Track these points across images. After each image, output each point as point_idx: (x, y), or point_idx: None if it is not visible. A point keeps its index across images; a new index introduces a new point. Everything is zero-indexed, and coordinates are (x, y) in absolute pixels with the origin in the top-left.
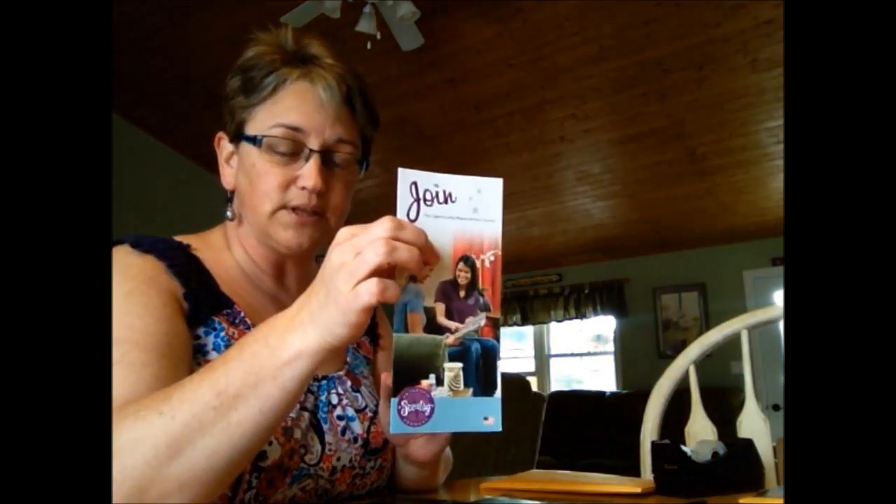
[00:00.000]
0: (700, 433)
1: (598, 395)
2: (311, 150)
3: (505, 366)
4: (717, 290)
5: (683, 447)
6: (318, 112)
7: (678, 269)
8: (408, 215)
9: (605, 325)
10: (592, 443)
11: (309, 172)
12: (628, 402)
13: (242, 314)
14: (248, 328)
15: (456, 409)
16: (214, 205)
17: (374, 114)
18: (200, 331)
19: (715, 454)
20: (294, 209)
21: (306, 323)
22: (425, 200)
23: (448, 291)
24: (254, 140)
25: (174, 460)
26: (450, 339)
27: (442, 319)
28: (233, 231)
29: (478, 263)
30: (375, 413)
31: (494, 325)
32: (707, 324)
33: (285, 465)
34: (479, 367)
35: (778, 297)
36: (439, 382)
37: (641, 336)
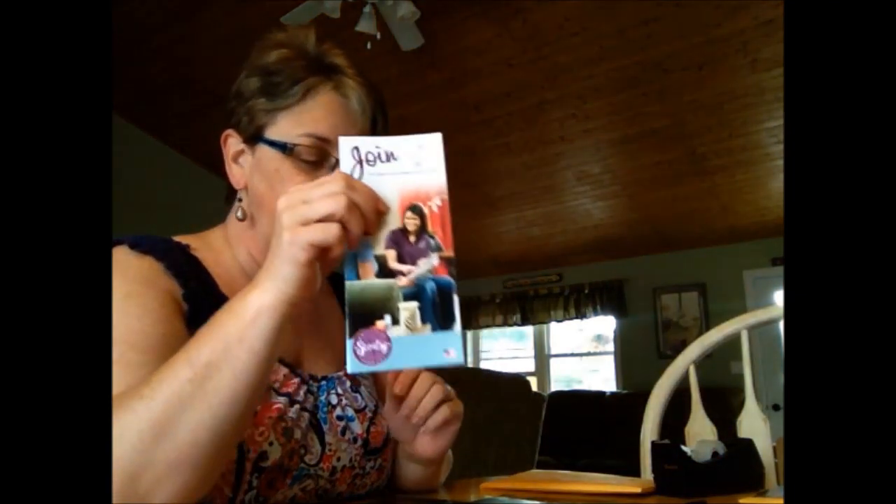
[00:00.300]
0: (700, 433)
1: (598, 395)
2: (337, 160)
3: (505, 366)
4: (717, 290)
5: (683, 447)
6: (346, 123)
7: (678, 269)
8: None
9: (605, 325)
10: (592, 443)
11: None
12: (628, 402)
13: None
14: None
15: (414, 345)
16: (214, 205)
17: (388, 125)
18: None
19: (715, 454)
20: None
21: (263, 281)
22: (368, 161)
23: (398, 239)
24: (283, 147)
25: (160, 442)
26: (402, 280)
27: (394, 264)
28: (236, 231)
29: (425, 210)
30: (375, 413)
31: (448, 263)
32: (707, 324)
33: (285, 466)
34: (436, 304)
35: (778, 297)
36: (395, 322)
37: (641, 336)
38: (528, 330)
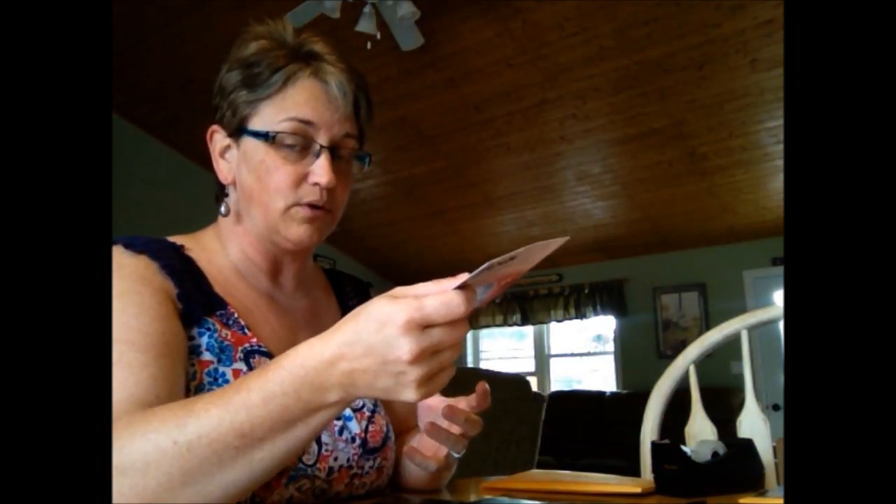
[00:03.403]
0: (700, 433)
1: (598, 395)
2: (322, 146)
3: (505, 366)
4: (717, 290)
5: (683, 447)
6: (328, 108)
7: (678, 269)
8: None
9: (605, 325)
10: (592, 443)
11: (322, 169)
12: (628, 402)
13: (236, 315)
14: (242, 329)
15: None
16: (214, 204)
17: (372, 111)
18: (194, 331)
19: (715, 454)
20: (307, 205)
21: (347, 386)
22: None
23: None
24: (265, 136)
25: (188, 487)
26: None
27: None
28: (227, 228)
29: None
30: (373, 412)
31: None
32: (707, 324)
33: None
34: None
35: (778, 297)
36: None
37: (641, 336)
38: (528, 330)
